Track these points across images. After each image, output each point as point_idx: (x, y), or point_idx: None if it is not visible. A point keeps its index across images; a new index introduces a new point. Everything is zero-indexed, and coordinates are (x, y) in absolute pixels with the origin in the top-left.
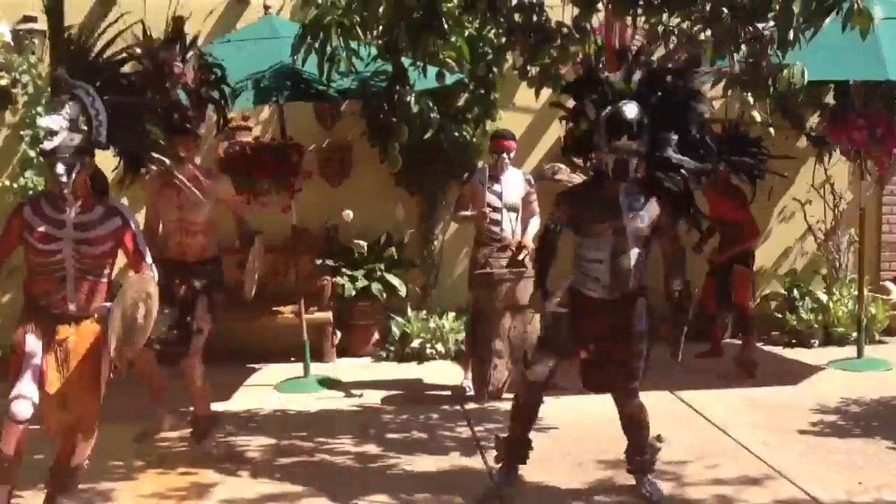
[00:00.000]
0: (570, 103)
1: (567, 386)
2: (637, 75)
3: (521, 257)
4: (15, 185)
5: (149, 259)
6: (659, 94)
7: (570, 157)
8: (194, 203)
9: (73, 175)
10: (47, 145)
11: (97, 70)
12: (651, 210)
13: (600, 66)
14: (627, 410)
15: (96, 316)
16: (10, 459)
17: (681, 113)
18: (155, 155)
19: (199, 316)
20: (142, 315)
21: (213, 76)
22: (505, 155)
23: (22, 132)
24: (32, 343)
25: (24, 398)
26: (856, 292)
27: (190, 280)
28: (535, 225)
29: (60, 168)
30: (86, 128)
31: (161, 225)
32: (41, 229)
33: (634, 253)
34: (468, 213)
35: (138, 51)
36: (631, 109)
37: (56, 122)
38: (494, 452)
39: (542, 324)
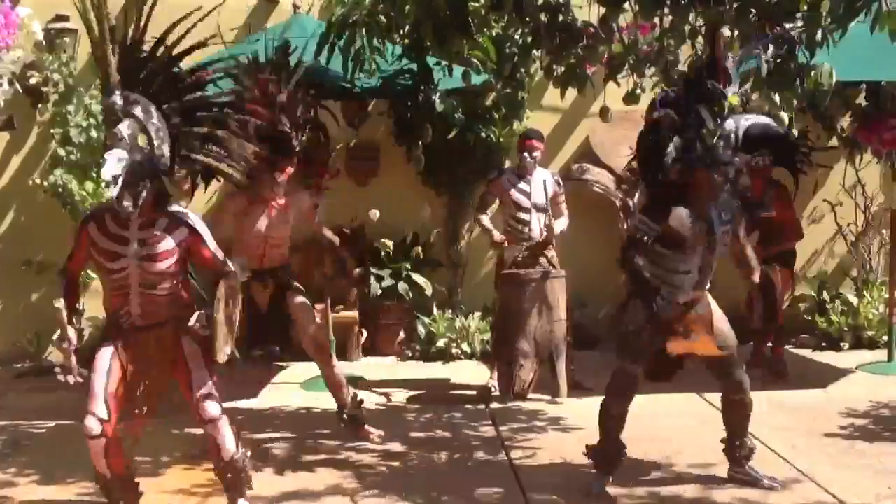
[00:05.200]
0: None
1: (592, 387)
2: (736, 89)
3: (548, 239)
4: (45, 184)
5: (221, 256)
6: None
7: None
8: (282, 221)
9: (140, 201)
10: (108, 176)
11: (178, 91)
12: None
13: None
14: None
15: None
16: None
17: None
18: (229, 170)
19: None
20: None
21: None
22: (527, 154)
23: (52, 130)
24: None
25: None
26: (887, 295)
27: (268, 282)
28: (561, 225)
29: (127, 201)
30: (147, 148)
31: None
32: (106, 247)
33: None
34: (488, 225)
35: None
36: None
37: (114, 163)
38: (520, 453)
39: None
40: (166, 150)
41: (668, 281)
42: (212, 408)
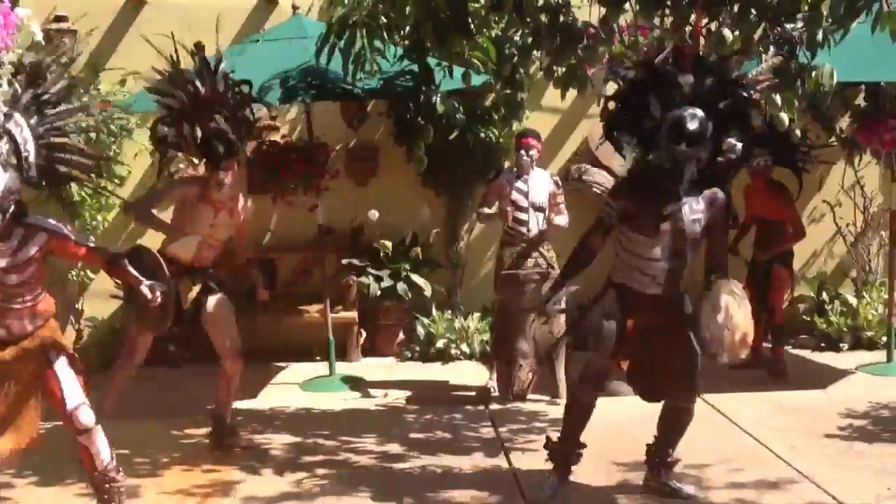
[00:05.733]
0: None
1: None
2: (709, 82)
3: (539, 239)
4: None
5: (93, 244)
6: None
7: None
8: (225, 223)
9: (8, 215)
10: None
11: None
12: (706, 211)
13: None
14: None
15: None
16: None
17: (740, 120)
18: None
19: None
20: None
21: (240, 93)
22: (523, 152)
23: None
24: None
25: None
26: (886, 296)
27: (195, 281)
28: (559, 221)
29: None
30: (15, 162)
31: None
32: None
33: (689, 254)
34: (490, 210)
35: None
36: (695, 120)
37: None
38: (520, 454)
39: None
40: (33, 162)
41: (639, 267)
42: (85, 417)
